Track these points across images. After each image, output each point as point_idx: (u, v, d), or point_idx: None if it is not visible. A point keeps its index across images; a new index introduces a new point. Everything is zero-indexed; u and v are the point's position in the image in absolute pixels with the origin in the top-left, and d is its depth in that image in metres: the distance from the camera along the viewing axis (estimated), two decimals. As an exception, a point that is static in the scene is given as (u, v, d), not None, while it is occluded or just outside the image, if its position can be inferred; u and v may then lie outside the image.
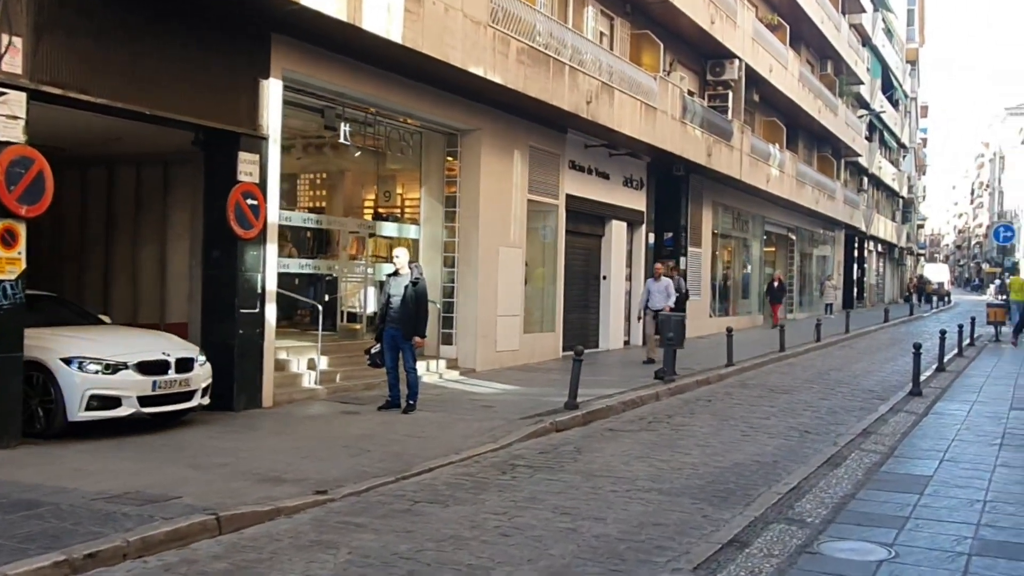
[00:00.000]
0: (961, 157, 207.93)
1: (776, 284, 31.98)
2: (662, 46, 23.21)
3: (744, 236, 32.60)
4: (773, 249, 38.00)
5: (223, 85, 11.57)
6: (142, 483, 7.70)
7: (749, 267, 33.00)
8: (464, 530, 6.92)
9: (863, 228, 48.90)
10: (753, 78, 28.87)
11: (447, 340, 16.84)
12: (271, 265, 12.37)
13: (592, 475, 8.91)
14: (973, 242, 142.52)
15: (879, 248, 59.87)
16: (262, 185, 12.08)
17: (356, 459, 9.16)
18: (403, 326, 11.97)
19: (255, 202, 11.91)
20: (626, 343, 22.47)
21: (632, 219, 23.12)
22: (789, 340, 24.35)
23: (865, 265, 54.22)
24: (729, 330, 18.88)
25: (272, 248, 12.43)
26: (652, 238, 24.27)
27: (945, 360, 19.16)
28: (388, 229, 17.19)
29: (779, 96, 32.16)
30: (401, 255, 12.36)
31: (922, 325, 36.13)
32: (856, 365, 20.54)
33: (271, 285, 12.34)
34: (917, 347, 15.11)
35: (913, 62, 68.83)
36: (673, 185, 24.99)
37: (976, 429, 11.54)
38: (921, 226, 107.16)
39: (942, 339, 19.16)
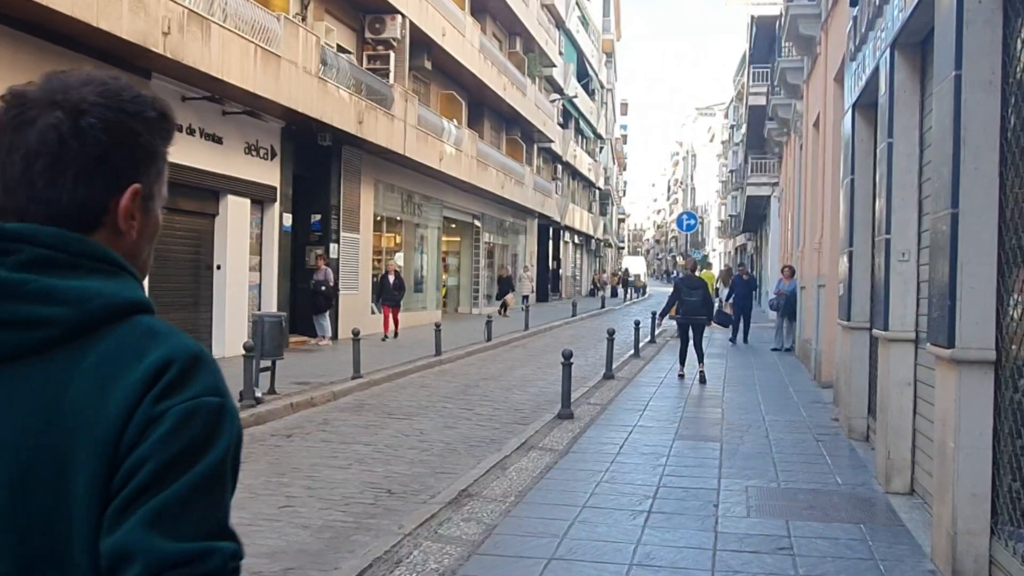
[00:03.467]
0: (660, 156, 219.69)
1: (392, 278, 23.24)
2: (291, -20, 19.08)
3: (418, 221, 28.92)
4: (457, 238, 34.96)
5: None
6: None
7: (425, 256, 29.51)
8: None
9: (557, 218, 47.09)
10: (423, 41, 25.28)
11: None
12: None
13: None
14: (670, 236, 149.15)
15: (576, 239, 58.86)
16: None
17: None
18: None
19: None
20: (252, 348, 18.07)
21: (260, 196, 18.77)
22: (456, 340, 21.07)
23: (561, 256, 52.77)
24: (355, 333, 14.94)
25: None
26: (290, 220, 20.05)
27: (614, 367, 16.28)
28: None
29: (458, 67, 28.86)
30: None
31: (610, 319, 34.21)
32: (517, 372, 17.31)
33: None
34: (567, 356, 11.74)
35: (610, 54, 68.76)
36: (320, 157, 20.93)
37: (623, 480, 8.19)
38: (623, 220, 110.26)
39: (610, 341, 16.16)
